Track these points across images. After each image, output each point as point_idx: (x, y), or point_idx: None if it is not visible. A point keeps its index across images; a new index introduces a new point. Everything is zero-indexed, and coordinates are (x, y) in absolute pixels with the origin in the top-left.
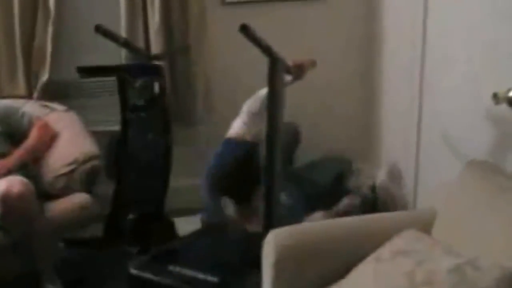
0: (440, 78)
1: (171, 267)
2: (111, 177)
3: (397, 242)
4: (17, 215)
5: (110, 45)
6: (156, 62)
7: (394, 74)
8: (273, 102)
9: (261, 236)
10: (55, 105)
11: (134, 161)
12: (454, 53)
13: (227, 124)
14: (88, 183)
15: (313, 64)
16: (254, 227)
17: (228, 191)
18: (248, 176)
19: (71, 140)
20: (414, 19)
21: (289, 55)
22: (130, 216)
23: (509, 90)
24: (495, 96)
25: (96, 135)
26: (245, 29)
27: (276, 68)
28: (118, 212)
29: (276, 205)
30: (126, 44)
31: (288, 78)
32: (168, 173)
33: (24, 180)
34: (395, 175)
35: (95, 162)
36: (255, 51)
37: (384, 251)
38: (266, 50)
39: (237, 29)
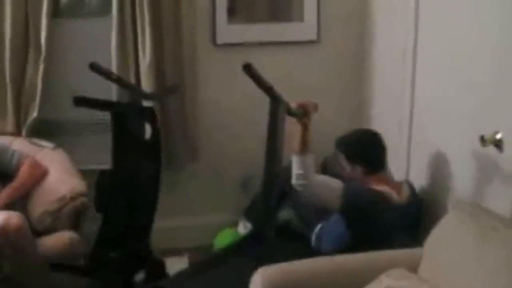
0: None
1: None
2: (100, 210)
3: (384, 280)
4: (13, 248)
5: (101, 84)
6: (147, 103)
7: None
8: (273, 144)
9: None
10: (43, 143)
11: (123, 196)
12: (442, 94)
13: (216, 164)
14: (76, 221)
15: (315, 107)
16: None
17: None
18: None
19: (59, 178)
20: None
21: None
22: (112, 254)
23: (495, 133)
24: (482, 139)
25: (84, 174)
26: (247, 68)
27: (278, 109)
28: (102, 246)
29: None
30: (120, 81)
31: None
32: (154, 210)
33: (21, 214)
34: None
35: (83, 200)
36: (247, 94)
37: None
38: (268, 90)
39: (228, 71)
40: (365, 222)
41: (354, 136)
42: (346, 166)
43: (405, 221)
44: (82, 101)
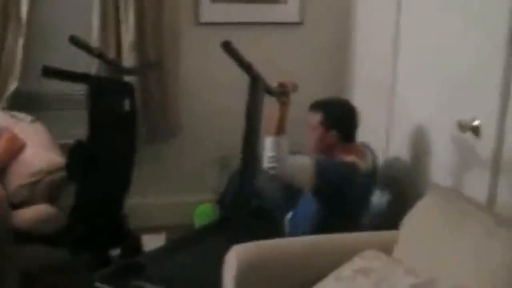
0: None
1: (134, 281)
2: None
3: (358, 262)
4: None
5: (82, 57)
6: (128, 78)
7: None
8: (251, 122)
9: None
10: (22, 116)
11: (96, 168)
12: (424, 80)
13: (195, 142)
14: (53, 194)
15: (294, 87)
16: None
17: None
18: None
19: (37, 151)
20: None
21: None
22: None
23: (473, 120)
24: (459, 124)
25: (63, 147)
26: (227, 46)
27: (256, 87)
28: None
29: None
30: (100, 56)
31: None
32: (128, 184)
33: None
34: None
35: (61, 174)
36: (227, 73)
37: (345, 270)
38: (247, 68)
39: (210, 50)
40: (338, 195)
41: (336, 101)
42: (316, 130)
43: (374, 186)
44: (51, 72)
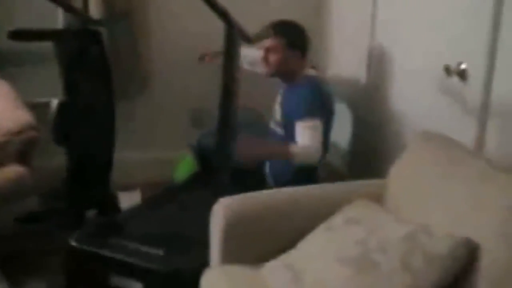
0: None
1: (113, 240)
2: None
3: (349, 211)
4: None
5: (46, 12)
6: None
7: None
8: (229, 72)
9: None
10: None
11: (82, 127)
12: (407, 28)
13: (168, 95)
14: (24, 155)
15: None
16: None
17: None
18: None
19: (3, 111)
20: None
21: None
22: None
23: (460, 63)
24: (447, 69)
25: (34, 106)
26: None
27: (233, 35)
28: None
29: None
30: (66, 6)
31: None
32: (113, 139)
33: None
34: None
35: (31, 133)
36: (200, 21)
37: (336, 220)
38: (223, 15)
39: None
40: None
41: (292, 22)
42: (279, 53)
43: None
44: (19, 35)
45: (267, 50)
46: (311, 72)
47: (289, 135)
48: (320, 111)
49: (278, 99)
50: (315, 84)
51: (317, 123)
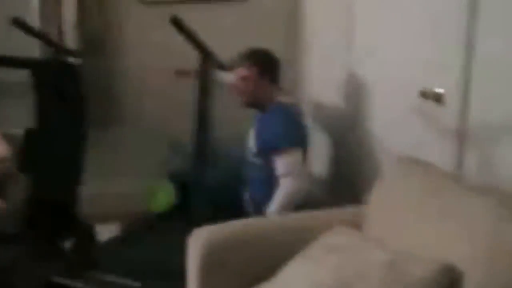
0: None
1: (91, 273)
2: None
3: (327, 239)
4: None
5: (23, 42)
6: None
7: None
8: (204, 101)
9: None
10: None
11: (48, 156)
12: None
13: (144, 125)
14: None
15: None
16: None
17: None
18: None
19: None
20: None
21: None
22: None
23: (435, 88)
24: (423, 93)
25: (5, 137)
26: (176, 22)
27: (208, 63)
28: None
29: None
30: (43, 37)
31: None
32: (81, 170)
33: None
34: None
35: (6, 165)
36: (175, 51)
37: (314, 247)
38: (198, 44)
39: (155, 28)
40: None
41: (260, 49)
42: (250, 81)
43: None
44: None
45: (239, 79)
46: (284, 99)
47: (268, 164)
48: (296, 139)
49: (253, 127)
50: (288, 112)
51: (296, 152)
